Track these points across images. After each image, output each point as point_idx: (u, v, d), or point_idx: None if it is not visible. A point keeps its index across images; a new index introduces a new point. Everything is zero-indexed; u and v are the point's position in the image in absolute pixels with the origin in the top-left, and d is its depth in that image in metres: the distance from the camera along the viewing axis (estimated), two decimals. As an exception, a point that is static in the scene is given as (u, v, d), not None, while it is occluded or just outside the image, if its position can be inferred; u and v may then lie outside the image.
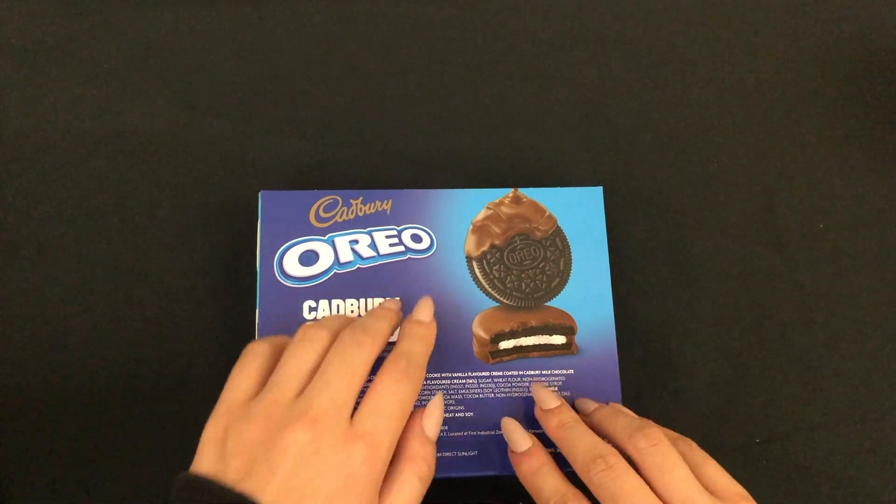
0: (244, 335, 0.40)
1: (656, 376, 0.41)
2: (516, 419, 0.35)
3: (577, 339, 0.38)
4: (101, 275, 0.42)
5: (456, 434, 0.36)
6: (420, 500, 0.31)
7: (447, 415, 0.36)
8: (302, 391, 0.29)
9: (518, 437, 0.34)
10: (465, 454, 0.35)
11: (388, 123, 0.45)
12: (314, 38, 0.47)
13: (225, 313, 0.41)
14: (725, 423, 0.41)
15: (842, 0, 0.50)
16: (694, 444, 0.33)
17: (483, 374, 0.37)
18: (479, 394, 0.36)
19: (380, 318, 0.33)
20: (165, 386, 0.40)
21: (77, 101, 0.45)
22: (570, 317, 0.38)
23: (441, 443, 0.35)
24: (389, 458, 0.30)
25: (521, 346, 0.37)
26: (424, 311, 0.34)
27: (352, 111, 0.46)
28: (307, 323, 0.32)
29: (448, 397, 0.36)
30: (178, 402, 0.40)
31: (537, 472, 0.33)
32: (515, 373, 0.37)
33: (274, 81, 0.46)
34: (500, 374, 0.37)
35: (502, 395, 0.36)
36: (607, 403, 0.36)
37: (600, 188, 0.40)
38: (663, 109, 0.47)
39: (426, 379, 0.36)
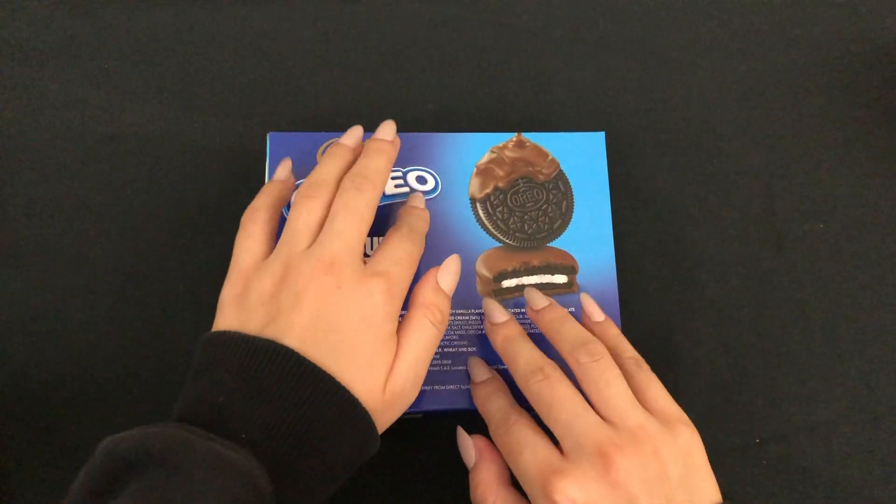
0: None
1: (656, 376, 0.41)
2: None
3: (579, 278, 0.38)
4: (101, 275, 0.42)
5: (459, 368, 0.36)
6: (434, 346, 0.32)
7: (451, 349, 0.37)
8: (313, 242, 0.31)
9: (479, 370, 0.35)
10: (468, 388, 0.36)
11: (388, 123, 0.45)
12: (314, 38, 0.47)
13: (225, 313, 0.41)
14: (725, 423, 0.41)
15: (842, 0, 0.50)
16: (645, 366, 0.33)
17: None
18: (481, 330, 0.37)
19: (376, 156, 0.34)
20: (165, 386, 0.40)
21: (77, 101, 0.45)
22: (571, 257, 0.39)
23: (444, 376, 0.36)
24: (404, 296, 0.31)
25: (523, 285, 0.38)
26: (418, 199, 0.37)
27: (352, 112, 0.46)
28: (306, 179, 0.34)
29: (452, 333, 0.37)
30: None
31: (489, 395, 0.34)
32: (518, 310, 0.38)
33: (274, 81, 0.46)
34: None
35: None
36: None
37: (602, 133, 0.41)
38: (663, 109, 0.47)
39: None
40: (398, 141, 0.36)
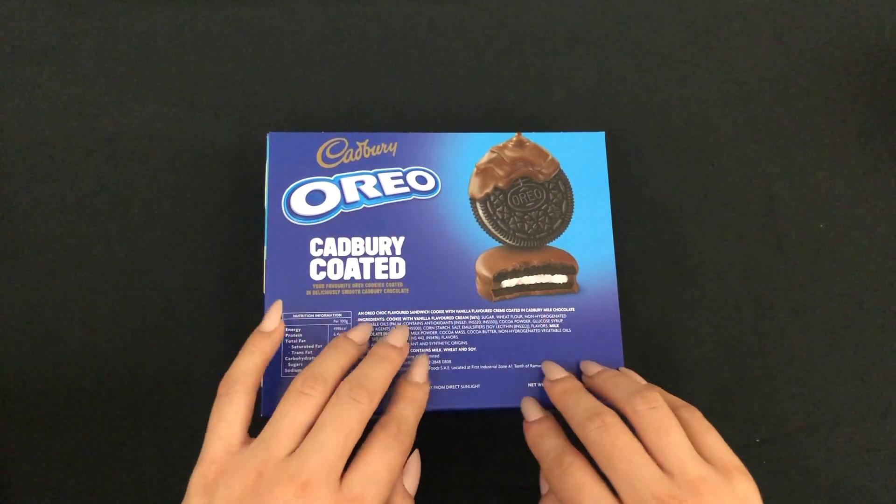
0: (246, 335, 0.40)
1: (656, 376, 0.41)
2: (516, 353, 0.37)
3: (578, 278, 0.39)
4: (101, 275, 0.42)
5: (460, 368, 0.37)
6: None
7: (451, 349, 0.37)
8: (294, 449, 0.30)
9: (530, 409, 0.35)
10: (469, 387, 0.37)
11: (389, 125, 0.45)
12: (314, 37, 0.47)
13: (226, 314, 0.41)
14: (725, 423, 0.41)
15: (842, 0, 0.50)
16: (698, 413, 0.33)
17: (486, 311, 0.38)
18: (482, 330, 0.37)
19: (381, 365, 0.33)
20: (165, 386, 0.40)
21: (77, 101, 0.45)
22: (571, 257, 0.39)
23: (445, 376, 0.37)
24: None
25: (523, 285, 0.38)
26: (420, 372, 0.35)
27: (352, 112, 0.46)
28: (304, 370, 0.32)
29: (452, 333, 0.37)
30: (178, 402, 0.40)
31: (541, 434, 0.34)
32: (517, 310, 0.38)
33: (274, 81, 0.46)
34: (503, 311, 0.38)
35: (504, 331, 0.38)
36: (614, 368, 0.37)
37: (602, 133, 0.41)
38: (663, 109, 0.47)
39: (429, 315, 0.38)
40: (407, 348, 0.36)
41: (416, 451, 0.34)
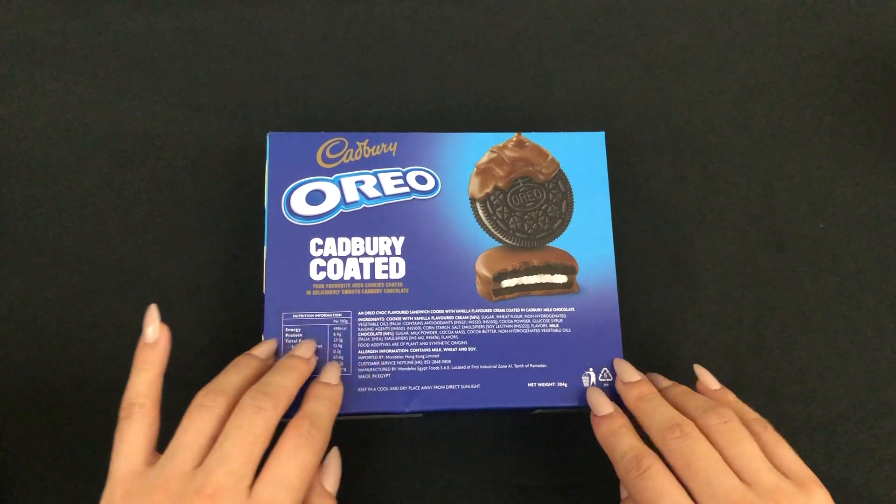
0: (246, 335, 0.40)
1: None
2: (516, 353, 0.37)
3: (578, 278, 0.39)
4: (101, 275, 0.42)
5: (460, 368, 0.37)
6: None
7: (450, 349, 0.37)
8: (200, 462, 0.29)
9: (600, 402, 0.35)
10: (469, 387, 0.37)
11: (389, 125, 0.45)
12: (314, 37, 0.47)
13: (226, 313, 0.41)
14: (725, 423, 0.41)
15: (842, 0, 0.50)
16: (770, 427, 0.33)
17: (486, 311, 0.38)
18: (482, 329, 0.37)
19: (284, 373, 0.33)
20: (165, 386, 0.40)
21: (77, 101, 0.45)
22: (571, 257, 0.39)
23: (445, 376, 0.37)
24: None
25: (523, 285, 0.38)
26: (331, 373, 0.34)
27: (352, 112, 0.46)
28: (207, 385, 0.32)
29: (452, 333, 0.37)
30: (178, 402, 0.40)
31: (615, 432, 0.34)
32: (517, 310, 0.38)
33: (274, 81, 0.46)
34: (503, 311, 0.38)
35: (504, 331, 0.38)
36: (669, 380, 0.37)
37: (602, 133, 0.41)
38: (663, 109, 0.47)
39: (429, 315, 0.37)
40: (314, 361, 0.35)
41: (336, 449, 0.34)
